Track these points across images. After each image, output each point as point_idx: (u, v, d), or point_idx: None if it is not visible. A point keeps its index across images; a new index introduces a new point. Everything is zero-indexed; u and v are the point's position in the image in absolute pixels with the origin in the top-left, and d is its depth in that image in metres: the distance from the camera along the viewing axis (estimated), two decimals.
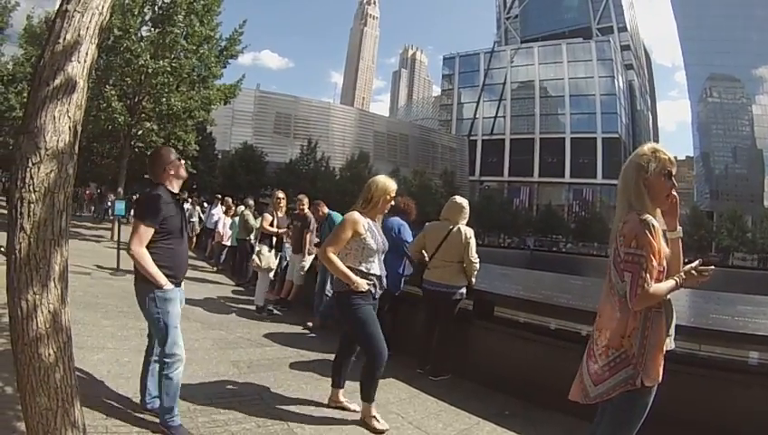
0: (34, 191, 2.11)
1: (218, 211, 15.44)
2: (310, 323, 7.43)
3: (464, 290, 5.52)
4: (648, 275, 2.35)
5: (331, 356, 5.67)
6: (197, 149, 25.44)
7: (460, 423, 4.24)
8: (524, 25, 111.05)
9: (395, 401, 4.61)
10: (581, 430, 3.78)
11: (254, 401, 4.27)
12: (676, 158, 2.61)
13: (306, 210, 8.56)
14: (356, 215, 4.01)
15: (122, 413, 3.65)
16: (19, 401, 2.15)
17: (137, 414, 3.67)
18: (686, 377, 3.76)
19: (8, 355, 2.14)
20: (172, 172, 3.62)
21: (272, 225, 8.39)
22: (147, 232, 3.37)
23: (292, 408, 4.19)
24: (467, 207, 5.70)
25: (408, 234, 6.19)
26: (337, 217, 7.76)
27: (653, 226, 2.40)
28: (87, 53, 2.26)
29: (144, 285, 3.44)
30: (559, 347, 4.71)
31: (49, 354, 2.10)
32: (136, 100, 19.23)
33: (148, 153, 22.45)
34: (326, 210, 8.03)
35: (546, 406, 4.49)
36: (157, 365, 3.60)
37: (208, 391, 4.37)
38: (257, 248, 8.34)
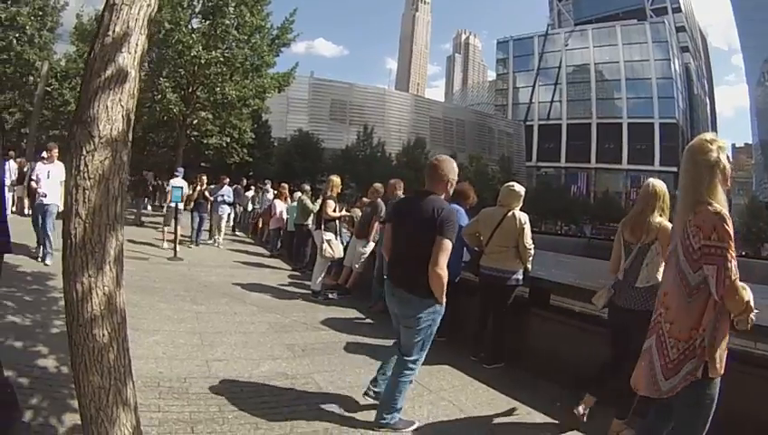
0: (89, 178, 2.17)
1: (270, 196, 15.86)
2: (373, 308, 7.51)
3: (519, 276, 5.44)
4: (732, 266, 2.34)
5: (387, 341, 5.74)
6: (253, 136, 25.97)
7: (510, 412, 4.21)
8: (577, 7, 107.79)
9: (448, 387, 4.63)
10: (632, 424, 3.71)
11: (307, 383, 4.34)
12: (734, 145, 2.52)
13: (379, 199, 8.53)
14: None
15: (176, 393, 3.78)
16: (73, 381, 2.24)
17: (190, 393, 3.80)
18: (741, 375, 3.55)
19: (64, 336, 2.24)
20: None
21: (334, 211, 8.44)
22: (450, 249, 3.47)
23: (343, 392, 4.23)
24: (522, 194, 5.62)
25: (463, 219, 6.13)
26: None
27: (728, 217, 2.38)
28: (137, 44, 2.30)
29: (429, 299, 3.53)
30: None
31: (103, 335, 2.18)
32: (190, 90, 19.73)
33: (204, 141, 23.18)
34: (401, 192, 7.91)
35: (598, 398, 4.40)
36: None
37: (261, 373, 4.47)
38: (326, 237, 8.26)
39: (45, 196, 8.40)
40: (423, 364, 4.58)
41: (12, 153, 14.82)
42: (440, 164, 3.76)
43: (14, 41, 20.12)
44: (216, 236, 13.98)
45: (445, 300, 3.56)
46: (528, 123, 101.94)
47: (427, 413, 4.00)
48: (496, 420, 4.03)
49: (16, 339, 4.40)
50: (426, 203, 3.60)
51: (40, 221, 8.34)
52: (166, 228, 12.99)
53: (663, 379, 2.49)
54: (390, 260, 3.94)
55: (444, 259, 3.41)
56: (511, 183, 5.80)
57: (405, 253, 3.70)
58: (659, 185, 3.80)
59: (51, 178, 8.46)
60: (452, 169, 3.77)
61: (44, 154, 9.25)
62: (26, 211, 13.10)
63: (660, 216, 3.69)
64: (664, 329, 2.53)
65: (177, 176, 13.90)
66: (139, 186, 19.28)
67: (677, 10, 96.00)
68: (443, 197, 3.72)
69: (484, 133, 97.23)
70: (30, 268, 7.51)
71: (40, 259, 8.14)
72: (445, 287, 3.47)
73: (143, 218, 18.27)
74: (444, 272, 3.41)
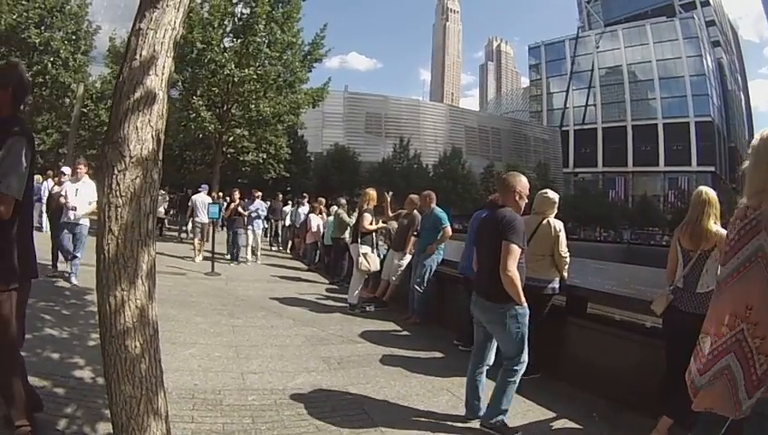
0: (121, 196, 2.26)
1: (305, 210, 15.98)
2: (409, 320, 7.58)
3: (556, 285, 5.37)
4: None
5: (422, 353, 5.75)
6: (290, 152, 26.29)
7: (546, 424, 4.17)
8: (606, 8, 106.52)
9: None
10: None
11: (342, 396, 4.35)
12: None
13: (415, 211, 8.55)
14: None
15: (210, 404, 3.84)
16: (106, 391, 2.32)
17: (224, 405, 3.85)
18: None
19: (100, 348, 2.32)
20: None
21: (371, 224, 8.45)
22: (518, 253, 3.74)
23: (379, 404, 4.24)
24: (557, 201, 5.59)
25: None
26: (440, 212, 7.84)
27: None
28: (164, 66, 2.39)
29: (504, 304, 3.78)
30: (654, 347, 4.38)
31: (135, 346, 2.26)
32: (224, 108, 20.07)
33: (240, 158, 23.58)
34: (434, 204, 8.00)
35: (636, 410, 4.32)
36: (483, 378, 4.09)
37: (296, 385, 4.50)
38: (362, 250, 8.25)
39: (75, 209, 7.99)
40: (458, 376, 4.62)
41: (50, 172, 15.14)
42: (507, 178, 4.11)
43: (49, 64, 20.88)
44: (254, 253, 13.94)
45: (524, 299, 3.79)
46: (564, 129, 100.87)
47: (462, 426, 3.98)
48: (532, 431, 3.97)
49: (53, 351, 4.55)
50: (494, 216, 3.94)
51: (66, 239, 8.05)
52: (196, 241, 13.49)
53: (747, 397, 2.34)
54: (476, 273, 4.30)
55: (512, 262, 3.68)
56: (545, 190, 5.77)
57: (483, 265, 4.04)
58: (711, 193, 3.88)
59: (78, 195, 8.05)
60: (519, 181, 4.03)
61: (65, 170, 8.97)
62: (43, 228, 11.99)
63: (714, 223, 3.76)
64: (751, 346, 2.34)
65: (200, 192, 14.19)
66: (184, 202, 19.66)
67: (706, 4, 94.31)
68: (513, 208, 3.95)
69: (519, 141, 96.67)
70: (67, 283, 7.78)
71: (65, 279, 7.98)
72: (519, 288, 3.73)
73: (182, 235, 18.68)
74: (514, 274, 3.68)
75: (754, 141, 2.47)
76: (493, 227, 3.87)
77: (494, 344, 4.09)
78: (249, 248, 13.61)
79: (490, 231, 3.92)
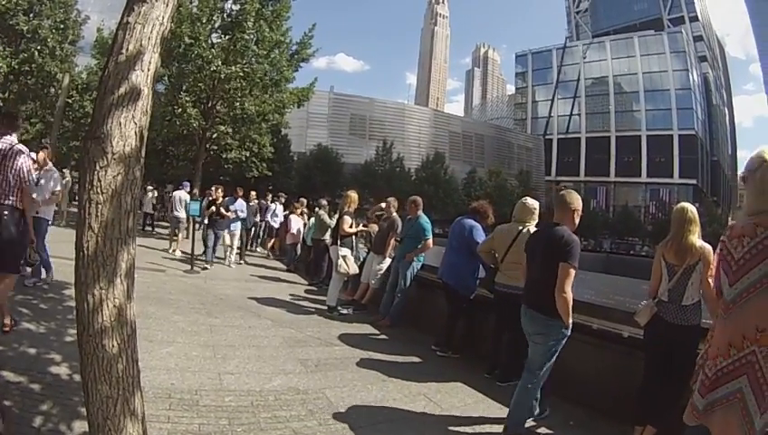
0: (102, 193, 2.23)
1: (280, 210, 15.91)
2: (380, 322, 7.56)
3: None
4: None
5: (400, 358, 5.75)
6: (273, 151, 26.17)
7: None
8: (595, 19, 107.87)
9: (460, 405, 4.60)
10: None
11: (318, 398, 4.33)
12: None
13: (394, 213, 8.59)
14: None
15: (186, 405, 3.81)
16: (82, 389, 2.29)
17: (200, 406, 3.82)
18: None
19: (76, 345, 2.29)
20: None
21: (351, 227, 8.44)
22: (574, 275, 3.88)
23: (356, 408, 4.23)
24: (536, 208, 5.65)
25: (479, 235, 6.29)
26: (426, 223, 7.86)
27: None
28: (150, 62, 2.36)
29: (552, 318, 3.93)
30: (631, 356, 4.52)
31: (112, 346, 2.22)
32: (210, 104, 19.92)
33: (223, 155, 23.43)
34: (420, 211, 8.04)
35: (613, 417, 4.39)
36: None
37: (273, 387, 4.48)
38: (341, 253, 8.22)
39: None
40: (435, 381, 4.67)
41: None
42: (565, 195, 4.24)
43: (36, 53, 20.53)
44: (229, 256, 12.68)
45: (571, 322, 3.96)
46: (547, 137, 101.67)
47: (437, 431, 3.99)
48: None
49: (30, 346, 4.49)
50: (552, 233, 4.04)
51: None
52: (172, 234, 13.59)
53: (760, 418, 2.35)
54: (526, 285, 4.38)
55: (568, 284, 3.82)
56: (524, 198, 5.82)
57: (536, 279, 4.13)
58: (693, 209, 4.06)
59: (39, 187, 6.44)
60: (576, 199, 4.24)
61: (34, 156, 6.68)
62: None
63: (698, 238, 3.93)
64: (764, 369, 2.33)
65: (181, 188, 14.02)
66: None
67: (695, 19, 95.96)
68: (570, 227, 4.09)
69: (503, 148, 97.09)
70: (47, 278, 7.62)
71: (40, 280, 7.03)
72: (570, 310, 3.88)
73: (160, 230, 18.60)
74: (569, 296, 3.83)
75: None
76: (550, 245, 3.97)
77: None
78: (234, 250, 12.89)
79: (546, 248, 4.03)
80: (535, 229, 5.02)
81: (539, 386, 4.10)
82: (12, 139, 4.81)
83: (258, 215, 16.28)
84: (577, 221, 4.19)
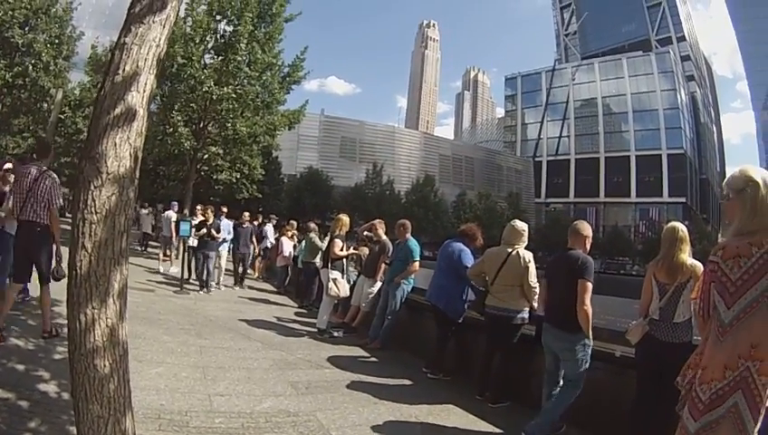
0: (96, 213, 2.24)
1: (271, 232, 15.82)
2: (371, 345, 7.53)
3: (525, 315, 5.45)
4: None
5: (391, 380, 5.72)
6: (263, 172, 26.17)
7: None
8: (583, 41, 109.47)
9: (451, 427, 4.57)
10: None
11: (309, 421, 4.28)
12: None
13: (383, 236, 8.62)
14: None
15: (176, 425, 3.77)
16: (72, 408, 2.27)
17: (190, 427, 3.78)
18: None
19: (66, 362, 2.28)
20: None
21: (341, 250, 8.42)
22: (591, 290, 4.35)
23: (347, 430, 4.20)
24: (526, 232, 5.69)
25: (468, 259, 6.32)
26: (414, 245, 7.86)
27: None
28: (146, 83, 2.39)
29: (576, 334, 4.37)
30: (623, 375, 4.55)
31: (104, 366, 2.22)
32: (201, 125, 19.96)
33: (213, 176, 23.39)
34: (409, 234, 8.06)
35: None
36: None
37: (263, 409, 4.43)
38: (332, 276, 8.20)
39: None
40: (427, 403, 4.69)
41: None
42: (578, 226, 4.86)
43: (30, 67, 20.56)
44: (216, 279, 12.03)
45: (592, 335, 4.41)
46: (537, 159, 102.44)
47: None
48: None
49: (18, 362, 4.45)
50: (569, 257, 4.62)
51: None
52: (161, 254, 13.88)
53: (753, 430, 2.34)
54: (547, 307, 4.86)
55: (587, 297, 4.32)
56: (513, 221, 5.86)
57: (559, 298, 4.61)
58: (683, 229, 4.14)
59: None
60: (587, 228, 4.88)
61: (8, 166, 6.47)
62: None
63: (689, 256, 4.02)
64: (758, 383, 2.33)
65: (170, 208, 13.96)
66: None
67: (682, 39, 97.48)
68: (583, 251, 4.67)
69: (493, 170, 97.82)
70: (34, 292, 7.52)
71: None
72: (590, 322, 4.34)
73: (151, 250, 18.49)
74: (589, 308, 4.31)
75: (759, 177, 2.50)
76: (569, 267, 4.51)
77: (562, 370, 4.64)
78: (222, 272, 12.42)
79: (565, 270, 4.54)
80: (553, 257, 5.18)
81: (574, 397, 4.44)
82: (43, 165, 5.50)
83: (253, 239, 15.36)
84: (588, 246, 4.74)
